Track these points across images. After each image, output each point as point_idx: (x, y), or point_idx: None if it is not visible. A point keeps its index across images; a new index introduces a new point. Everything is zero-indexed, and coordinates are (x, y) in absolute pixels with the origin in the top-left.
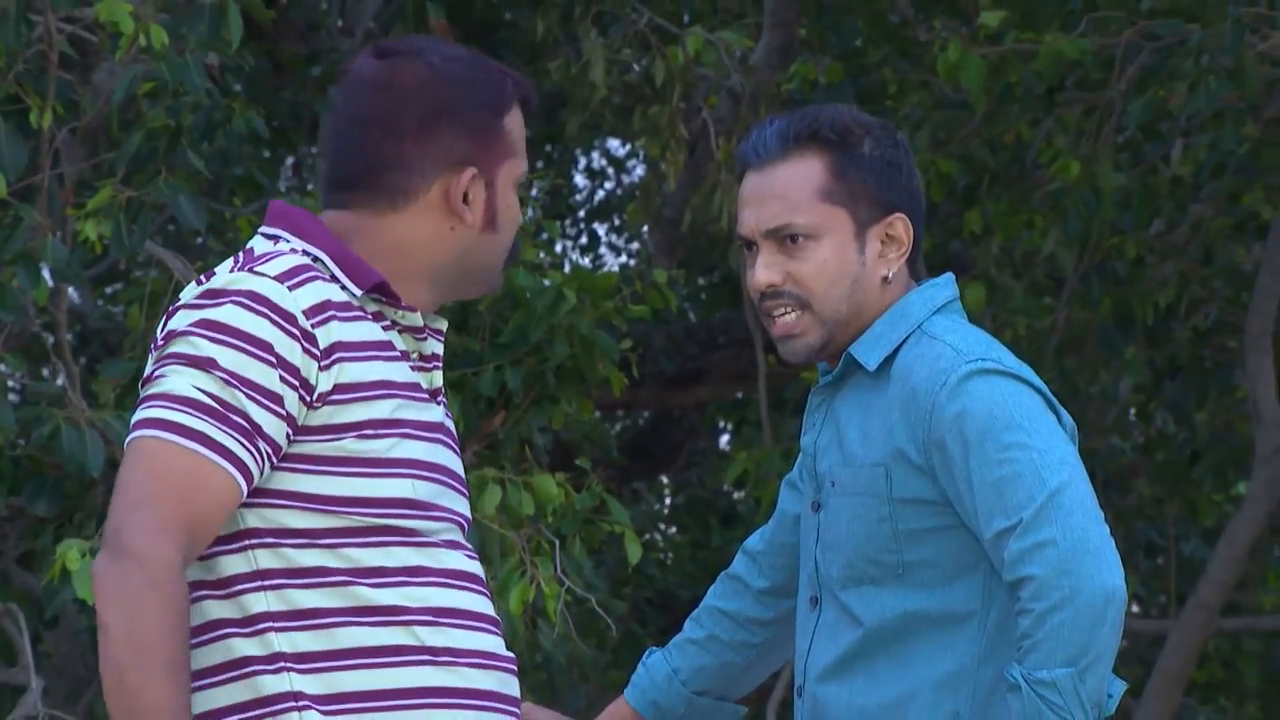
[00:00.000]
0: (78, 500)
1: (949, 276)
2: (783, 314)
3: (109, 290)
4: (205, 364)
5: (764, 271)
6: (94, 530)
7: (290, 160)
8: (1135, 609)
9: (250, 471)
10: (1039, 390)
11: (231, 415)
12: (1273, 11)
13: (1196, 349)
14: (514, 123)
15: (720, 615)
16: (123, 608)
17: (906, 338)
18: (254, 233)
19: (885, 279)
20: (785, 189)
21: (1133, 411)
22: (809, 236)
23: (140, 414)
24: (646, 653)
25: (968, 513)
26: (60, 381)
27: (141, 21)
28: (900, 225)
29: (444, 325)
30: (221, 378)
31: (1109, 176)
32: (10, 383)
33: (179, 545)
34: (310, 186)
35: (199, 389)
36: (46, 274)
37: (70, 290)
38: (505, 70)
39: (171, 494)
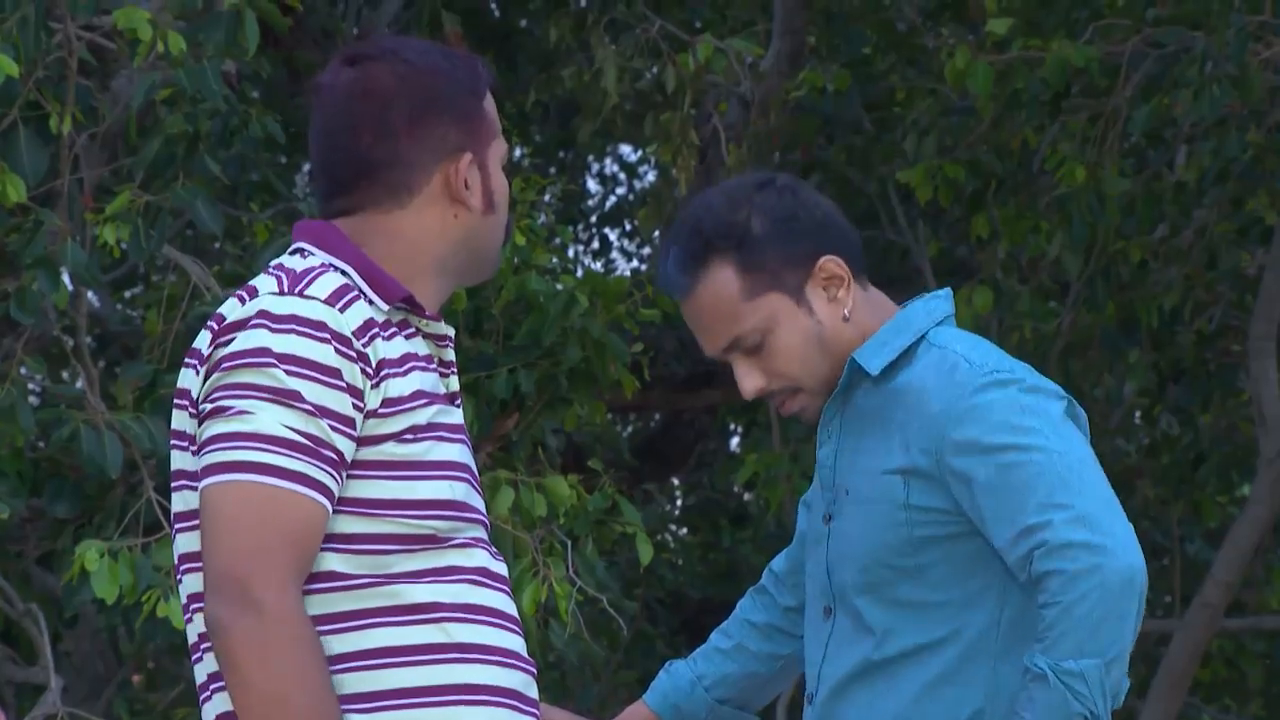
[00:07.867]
0: (97, 501)
1: (948, 291)
2: (782, 402)
3: (128, 294)
4: (290, 398)
5: (747, 381)
6: (112, 531)
7: (306, 166)
8: None
9: (335, 499)
10: (1053, 395)
11: (323, 450)
12: (1276, 19)
13: (1200, 352)
14: (490, 105)
15: (750, 627)
16: (271, 666)
17: (910, 346)
18: (270, 238)
19: (845, 318)
20: (714, 310)
21: (1137, 414)
22: (762, 335)
23: (236, 454)
24: (667, 663)
25: (983, 519)
26: (80, 384)
27: (159, 29)
28: (830, 264)
29: (451, 331)
30: (307, 411)
31: (1114, 182)
32: (30, 385)
33: (300, 593)
34: None
35: (289, 427)
36: (66, 278)
37: (89, 294)
38: (472, 56)
39: (290, 542)
